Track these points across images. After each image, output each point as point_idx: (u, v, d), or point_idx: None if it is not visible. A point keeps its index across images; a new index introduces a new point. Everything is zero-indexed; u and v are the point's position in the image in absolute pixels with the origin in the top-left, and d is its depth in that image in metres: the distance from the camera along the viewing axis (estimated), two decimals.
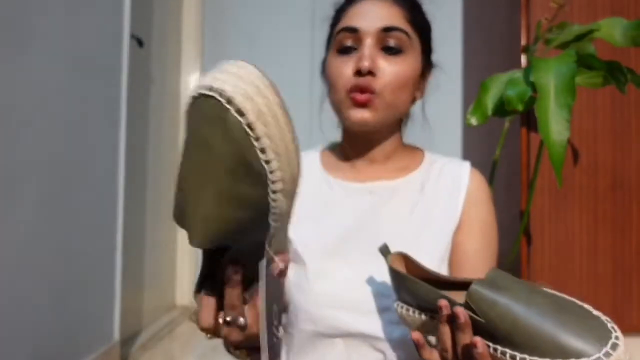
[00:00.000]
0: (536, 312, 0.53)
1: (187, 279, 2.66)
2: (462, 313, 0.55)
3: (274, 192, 0.44)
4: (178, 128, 2.67)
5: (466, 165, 0.86)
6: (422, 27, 0.83)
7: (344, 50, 0.79)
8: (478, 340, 0.54)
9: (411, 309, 0.64)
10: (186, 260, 2.66)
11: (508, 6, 2.13)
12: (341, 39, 0.80)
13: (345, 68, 0.78)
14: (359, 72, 0.77)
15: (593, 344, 0.50)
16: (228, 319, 0.58)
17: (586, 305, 0.55)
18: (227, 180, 0.42)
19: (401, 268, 0.67)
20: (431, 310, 0.61)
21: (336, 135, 0.90)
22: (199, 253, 2.20)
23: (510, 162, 1.99)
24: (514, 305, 0.54)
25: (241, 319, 0.57)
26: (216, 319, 0.58)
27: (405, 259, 0.68)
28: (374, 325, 0.74)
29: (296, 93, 2.74)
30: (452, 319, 0.57)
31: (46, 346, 1.45)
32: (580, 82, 1.48)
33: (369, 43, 0.77)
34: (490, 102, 1.60)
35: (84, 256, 1.63)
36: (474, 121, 1.61)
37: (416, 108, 0.89)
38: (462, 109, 2.61)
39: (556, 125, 1.34)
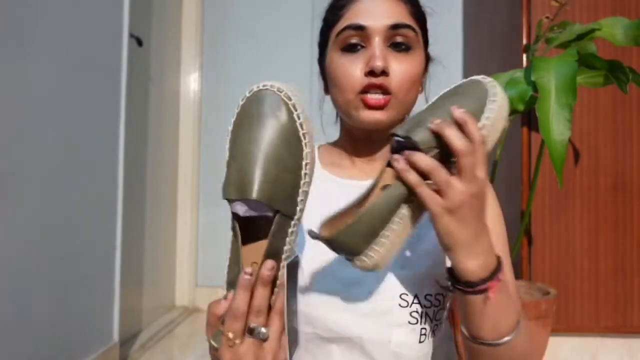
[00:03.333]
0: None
1: (187, 280, 2.65)
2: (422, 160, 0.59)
3: (306, 166, 0.59)
4: (177, 127, 2.66)
5: None
6: (422, 20, 0.81)
7: (350, 49, 0.76)
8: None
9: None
10: (185, 261, 2.65)
11: (508, 6, 2.13)
12: (346, 37, 0.76)
13: (353, 68, 0.75)
14: (371, 73, 0.73)
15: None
16: (252, 325, 0.54)
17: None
18: (283, 150, 0.57)
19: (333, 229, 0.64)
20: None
21: (336, 134, 0.89)
22: (198, 254, 2.20)
23: (511, 162, 1.98)
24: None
25: (263, 330, 0.55)
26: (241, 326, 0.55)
27: (331, 221, 0.65)
28: (372, 327, 0.73)
29: None
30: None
31: (46, 346, 1.44)
32: (581, 82, 1.47)
33: (378, 41, 0.74)
34: None
35: (83, 256, 1.63)
36: None
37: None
38: None
39: (557, 125, 1.34)
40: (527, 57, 1.78)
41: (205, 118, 2.73)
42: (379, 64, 0.72)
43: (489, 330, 0.63)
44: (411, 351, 0.74)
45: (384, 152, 0.82)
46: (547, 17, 1.62)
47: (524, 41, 1.93)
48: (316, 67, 0.88)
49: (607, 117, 1.92)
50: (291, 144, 0.58)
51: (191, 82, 2.71)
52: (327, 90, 0.84)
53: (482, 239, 0.60)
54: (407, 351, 0.73)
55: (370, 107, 0.74)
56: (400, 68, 0.75)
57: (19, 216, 1.33)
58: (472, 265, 0.60)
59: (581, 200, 1.92)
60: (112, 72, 1.80)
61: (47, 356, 1.45)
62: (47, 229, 1.45)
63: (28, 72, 1.36)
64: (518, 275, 1.91)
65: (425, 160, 0.58)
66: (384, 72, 0.73)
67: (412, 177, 0.58)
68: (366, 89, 0.74)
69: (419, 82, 0.80)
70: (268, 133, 0.57)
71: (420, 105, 0.85)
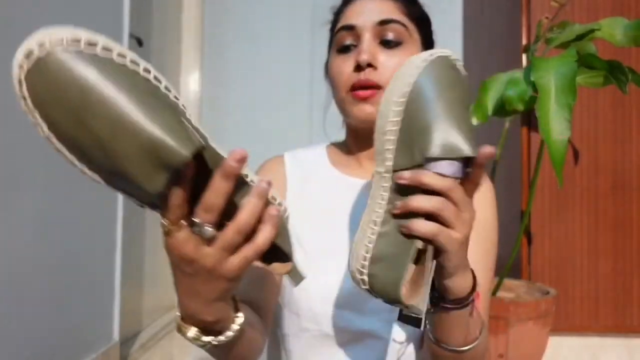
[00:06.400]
0: None
1: None
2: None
3: None
4: None
5: None
6: (419, 18, 0.82)
7: (344, 49, 0.79)
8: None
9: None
10: None
11: (508, 6, 2.12)
12: (340, 38, 0.80)
13: (345, 65, 0.78)
14: (358, 67, 0.76)
15: None
16: (196, 220, 0.46)
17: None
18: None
19: None
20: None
21: (339, 136, 0.90)
22: None
23: (511, 162, 1.98)
24: None
25: (209, 229, 0.46)
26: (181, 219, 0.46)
27: None
28: (375, 322, 0.75)
29: (296, 93, 2.73)
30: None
31: (46, 346, 1.44)
32: (581, 82, 1.47)
33: (367, 37, 0.77)
34: (490, 101, 1.60)
35: (83, 256, 1.63)
36: (474, 121, 1.60)
37: None
38: None
39: (557, 125, 1.34)
40: (527, 57, 1.78)
41: (205, 118, 2.73)
42: (364, 57, 0.75)
43: (459, 338, 0.64)
44: (411, 343, 0.76)
45: None
46: (547, 17, 1.62)
47: (524, 41, 1.93)
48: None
49: (607, 117, 1.92)
50: None
51: (191, 82, 2.71)
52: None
53: (466, 257, 0.59)
54: (406, 343, 0.75)
55: (360, 100, 0.76)
56: (390, 62, 0.76)
57: (19, 216, 1.33)
58: (465, 283, 0.59)
59: (581, 200, 1.92)
60: None
61: (47, 356, 1.45)
62: (47, 229, 1.45)
63: None
64: (518, 275, 1.91)
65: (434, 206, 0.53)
66: (371, 65, 0.76)
67: (428, 227, 0.53)
68: (355, 86, 0.77)
69: None
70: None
71: None
